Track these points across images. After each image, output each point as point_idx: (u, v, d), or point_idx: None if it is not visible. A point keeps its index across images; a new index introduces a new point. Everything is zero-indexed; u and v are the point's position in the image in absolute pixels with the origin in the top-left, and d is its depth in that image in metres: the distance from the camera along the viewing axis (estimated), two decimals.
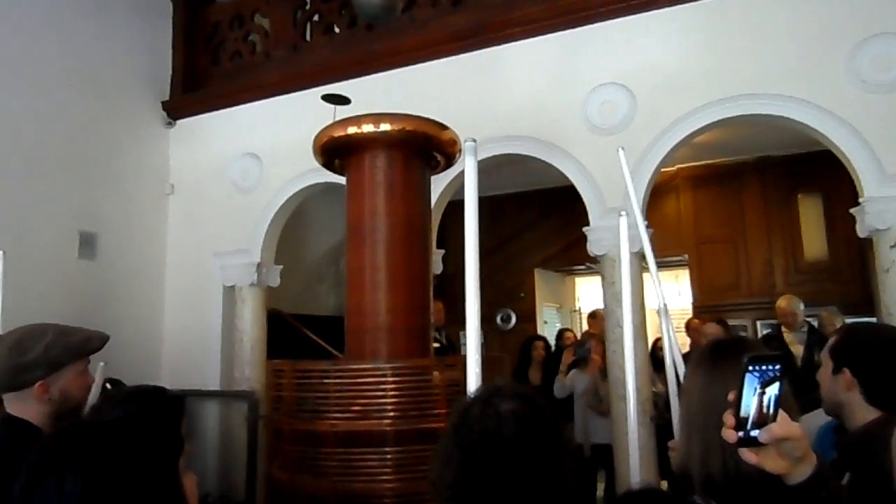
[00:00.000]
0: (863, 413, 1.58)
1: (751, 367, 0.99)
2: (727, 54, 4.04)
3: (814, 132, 3.84)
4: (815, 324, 5.03)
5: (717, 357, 1.33)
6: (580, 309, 9.18)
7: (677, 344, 2.33)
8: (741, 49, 4.00)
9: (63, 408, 1.75)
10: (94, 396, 1.96)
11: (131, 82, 5.59)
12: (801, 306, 4.88)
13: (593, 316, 6.10)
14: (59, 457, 1.03)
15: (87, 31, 5.22)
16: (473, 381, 1.63)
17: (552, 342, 6.26)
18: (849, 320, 5.15)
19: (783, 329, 4.91)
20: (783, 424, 0.99)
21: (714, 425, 1.06)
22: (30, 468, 1.03)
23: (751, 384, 0.99)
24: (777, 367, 0.99)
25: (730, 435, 1.00)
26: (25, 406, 1.71)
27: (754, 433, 0.99)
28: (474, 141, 1.82)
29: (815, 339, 4.67)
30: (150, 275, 5.61)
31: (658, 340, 5.03)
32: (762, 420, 0.99)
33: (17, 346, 1.71)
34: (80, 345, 1.82)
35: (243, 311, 5.34)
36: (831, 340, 1.71)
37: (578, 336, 6.20)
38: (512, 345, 7.50)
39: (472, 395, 1.22)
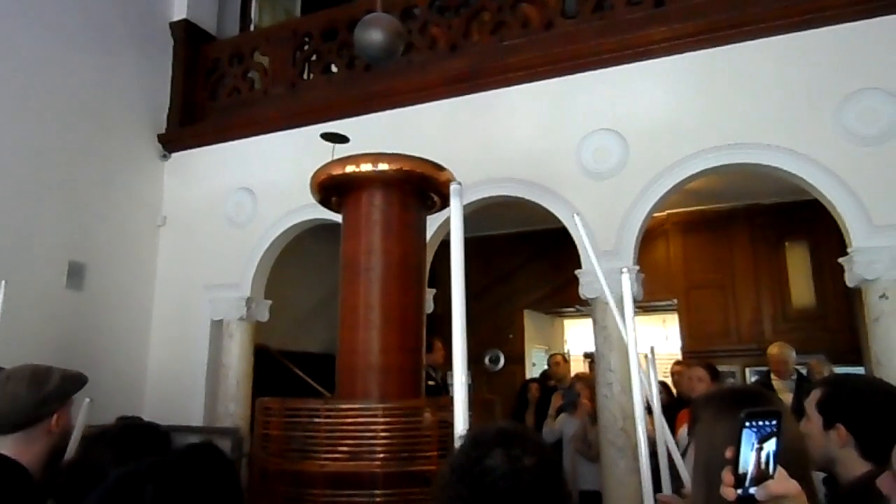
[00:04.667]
0: (857, 467, 1.57)
1: (748, 423, 0.98)
2: (718, 104, 4.13)
3: (802, 182, 3.91)
4: (805, 372, 5.03)
5: (744, 405, 1.32)
6: (568, 351, 9.15)
7: (658, 390, 2.32)
8: (731, 99, 4.10)
9: (61, 442, 1.74)
10: (78, 431, 1.93)
11: (128, 114, 5.62)
12: (793, 354, 4.88)
13: (556, 363, 6.10)
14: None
15: (87, 63, 5.27)
16: (461, 423, 1.61)
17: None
18: (837, 369, 5.17)
19: (773, 377, 4.90)
20: (780, 481, 0.98)
21: None
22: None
23: (748, 440, 0.98)
24: (774, 422, 0.99)
25: (729, 493, 0.99)
26: (30, 444, 1.69)
27: (753, 490, 0.98)
28: (460, 184, 1.85)
29: (804, 388, 4.65)
30: (138, 306, 5.55)
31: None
32: (761, 476, 0.98)
33: (34, 380, 1.72)
34: (79, 377, 1.84)
35: (230, 346, 5.28)
36: (815, 394, 1.69)
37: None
38: (500, 386, 7.43)
39: (484, 440, 1.15)
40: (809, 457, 1.43)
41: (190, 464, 1.16)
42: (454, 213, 1.78)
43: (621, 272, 2.14)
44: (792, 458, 1.28)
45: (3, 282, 3.29)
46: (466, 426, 1.59)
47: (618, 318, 2.15)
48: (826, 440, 1.62)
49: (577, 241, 4.28)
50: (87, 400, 1.99)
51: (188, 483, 1.11)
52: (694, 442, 1.41)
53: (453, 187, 1.82)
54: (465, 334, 1.68)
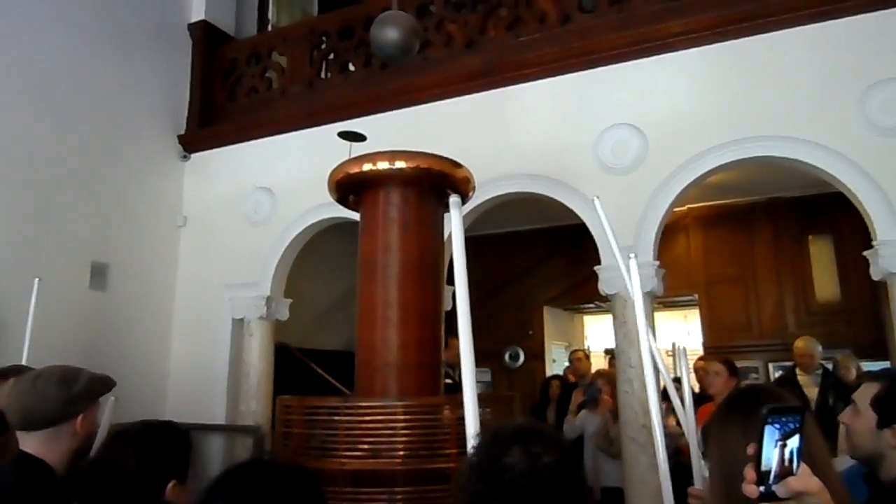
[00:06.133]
0: None
1: (770, 420, 0.96)
2: (738, 97, 4.07)
3: (825, 175, 3.85)
4: (830, 367, 4.96)
5: (748, 404, 1.31)
6: (588, 348, 9.11)
7: (689, 385, 2.30)
8: (752, 91, 4.04)
9: (87, 443, 1.76)
10: (103, 430, 1.95)
11: (148, 116, 5.69)
12: (819, 348, 4.81)
13: (578, 359, 6.08)
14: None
15: (107, 66, 5.33)
16: (472, 423, 1.61)
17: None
18: (862, 364, 5.09)
19: (797, 371, 4.84)
20: (803, 478, 0.96)
21: None
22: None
23: (771, 437, 0.97)
24: (797, 418, 0.97)
25: (751, 490, 0.97)
26: (56, 443, 1.71)
27: (776, 487, 0.96)
28: (458, 196, 1.86)
29: (829, 382, 4.59)
30: (160, 306, 5.62)
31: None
32: (784, 473, 0.96)
33: (63, 380, 1.74)
34: (107, 380, 1.86)
35: (251, 345, 5.32)
36: (870, 388, 1.63)
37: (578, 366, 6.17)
38: (520, 383, 7.43)
39: (503, 437, 1.15)
40: (828, 453, 1.41)
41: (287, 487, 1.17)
42: (454, 225, 1.79)
43: (628, 257, 2.11)
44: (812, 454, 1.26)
45: (37, 280, 3.36)
46: (478, 426, 1.59)
47: (637, 304, 2.12)
48: (876, 437, 1.57)
49: (592, 232, 4.26)
50: (113, 398, 2.01)
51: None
52: (709, 449, 1.40)
53: (452, 200, 1.84)
54: (471, 343, 1.69)
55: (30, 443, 1.70)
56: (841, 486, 1.29)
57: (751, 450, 0.98)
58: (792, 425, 0.97)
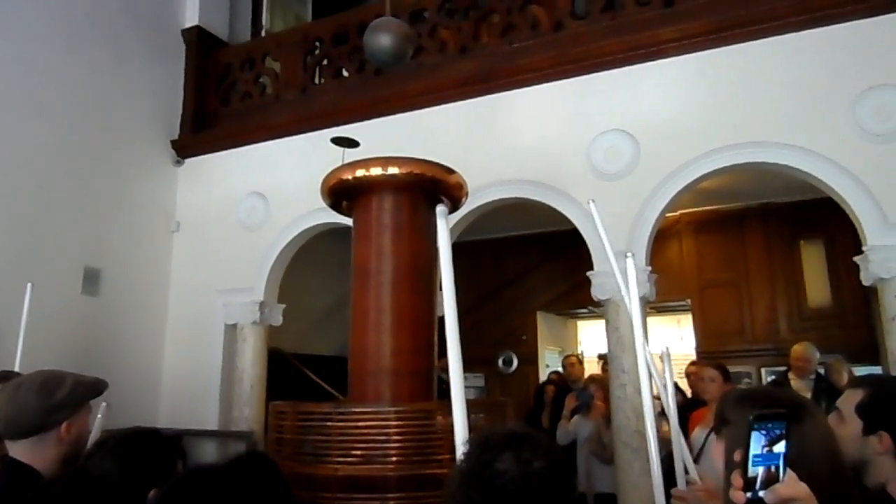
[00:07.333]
0: (891, 472, 1.53)
1: (756, 426, 0.97)
2: (730, 103, 4.10)
3: (816, 180, 3.88)
4: (823, 371, 4.97)
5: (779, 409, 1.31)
6: (582, 353, 9.11)
7: (674, 390, 2.30)
8: (743, 98, 4.07)
9: (75, 449, 1.74)
10: (95, 436, 1.94)
11: (142, 121, 5.68)
12: (817, 354, 4.79)
13: (571, 364, 6.07)
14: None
15: (100, 72, 5.33)
16: (461, 431, 1.61)
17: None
18: (855, 368, 5.11)
19: (790, 376, 4.85)
20: (790, 484, 0.97)
21: None
22: None
23: (757, 443, 0.97)
24: (783, 424, 0.97)
25: (738, 496, 0.97)
26: (42, 450, 1.70)
27: (762, 493, 0.97)
28: (448, 203, 1.85)
29: (822, 387, 4.60)
30: (152, 312, 5.60)
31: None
32: (771, 479, 0.97)
33: (43, 388, 1.72)
34: (95, 384, 1.85)
35: (244, 350, 5.31)
36: (854, 395, 1.63)
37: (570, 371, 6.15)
38: (513, 388, 7.42)
39: (494, 443, 1.15)
40: (842, 457, 1.41)
41: (241, 473, 1.15)
42: (441, 233, 1.80)
43: (625, 256, 2.11)
44: (825, 459, 1.26)
45: (30, 284, 3.35)
46: (467, 432, 1.59)
47: (633, 304, 2.12)
48: (863, 444, 1.57)
49: (585, 237, 4.28)
50: (104, 404, 1.99)
51: (241, 492, 1.11)
52: (724, 443, 1.39)
53: (439, 209, 1.85)
54: (459, 349, 1.69)
55: (16, 450, 1.70)
56: (848, 483, 1.29)
57: (737, 456, 0.98)
58: (777, 431, 0.97)
